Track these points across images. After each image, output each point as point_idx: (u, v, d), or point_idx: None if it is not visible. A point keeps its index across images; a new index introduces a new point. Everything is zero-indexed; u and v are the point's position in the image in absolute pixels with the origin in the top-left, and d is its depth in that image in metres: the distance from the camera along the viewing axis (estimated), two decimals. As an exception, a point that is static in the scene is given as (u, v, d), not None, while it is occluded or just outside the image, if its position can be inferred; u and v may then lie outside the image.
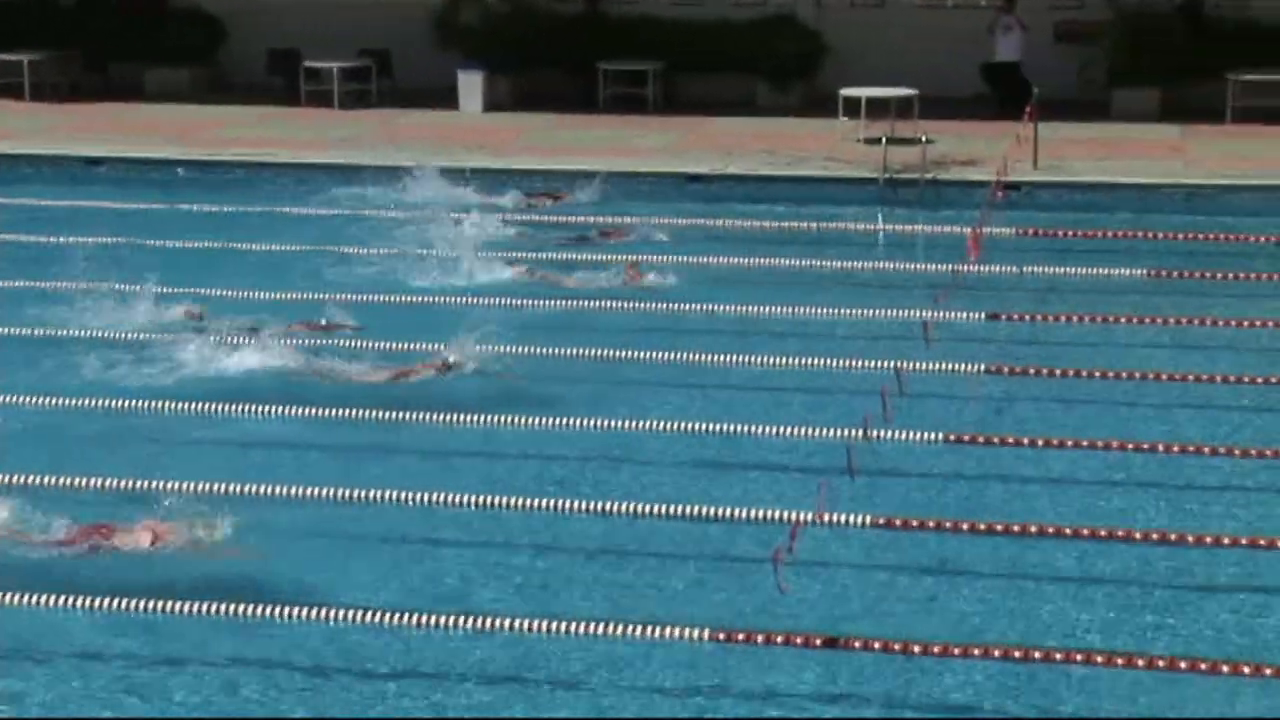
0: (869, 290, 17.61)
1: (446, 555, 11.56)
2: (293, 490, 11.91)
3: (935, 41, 27.17)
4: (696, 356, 15.05)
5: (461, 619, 10.28)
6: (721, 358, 15.05)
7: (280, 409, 13.73)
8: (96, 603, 10.35)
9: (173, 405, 13.88)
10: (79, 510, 11.58)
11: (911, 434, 13.20)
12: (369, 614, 10.27)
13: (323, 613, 10.25)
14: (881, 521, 11.67)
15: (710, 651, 10.09)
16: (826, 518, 11.54)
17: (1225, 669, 9.73)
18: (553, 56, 27.93)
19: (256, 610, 10.26)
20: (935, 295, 16.59)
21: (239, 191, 22.76)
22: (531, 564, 11.43)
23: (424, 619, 10.22)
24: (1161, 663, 9.81)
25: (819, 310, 16.78)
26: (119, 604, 10.32)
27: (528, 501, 11.96)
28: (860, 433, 12.94)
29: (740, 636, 10.11)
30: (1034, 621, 10.61)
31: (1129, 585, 11.05)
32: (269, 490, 11.90)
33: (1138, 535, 11.50)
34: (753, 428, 13.42)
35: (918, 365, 14.69)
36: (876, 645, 9.99)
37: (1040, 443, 13.18)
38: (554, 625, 10.20)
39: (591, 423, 13.53)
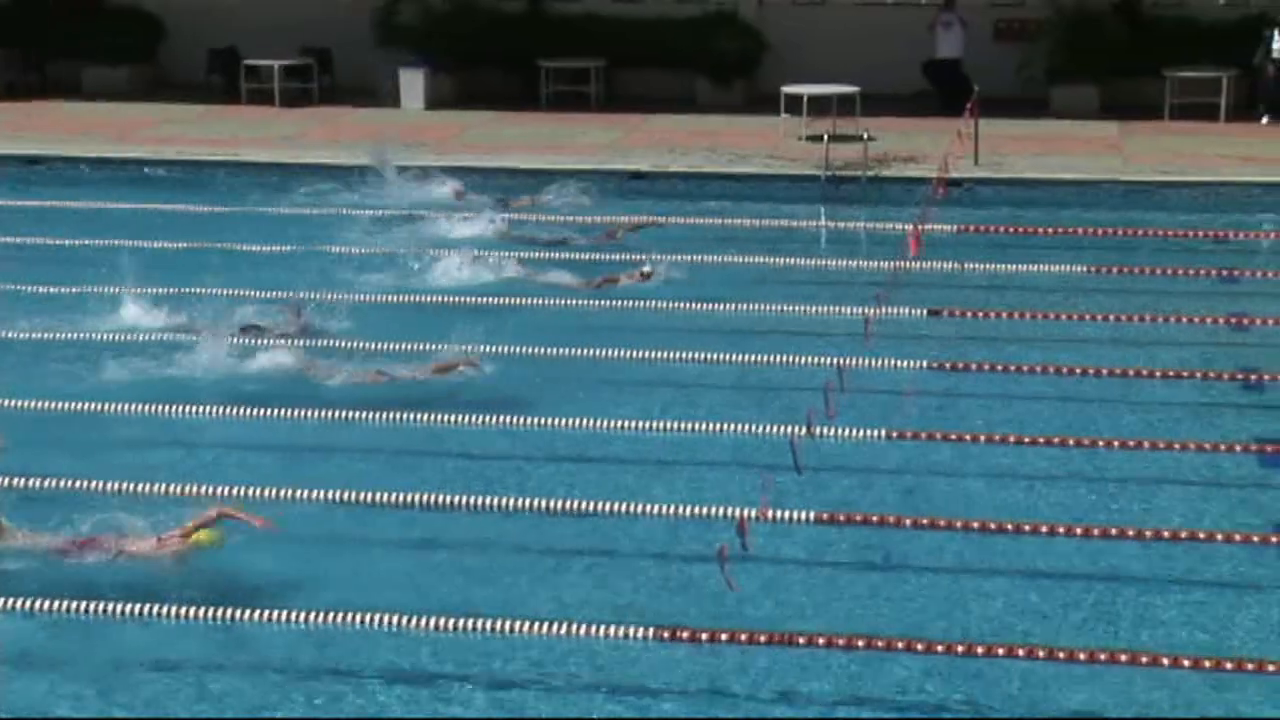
0: (811, 287, 17.66)
1: (386, 553, 11.52)
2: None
3: (876, 39, 27.27)
4: (639, 354, 15.06)
5: (399, 618, 10.25)
6: (664, 354, 15.06)
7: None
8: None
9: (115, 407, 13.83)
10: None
11: (854, 430, 13.25)
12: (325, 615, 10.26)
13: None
14: (825, 517, 11.71)
15: (655, 649, 10.10)
16: (771, 514, 11.57)
17: (1166, 662, 9.81)
18: (494, 54, 27.89)
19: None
20: (877, 292, 16.65)
21: (180, 191, 22.62)
22: (474, 562, 11.41)
23: (362, 618, 10.20)
24: (1103, 656, 9.88)
25: (761, 307, 16.82)
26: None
27: (470, 499, 11.94)
28: (803, 429, 12.97)
29: (684, 634, 10.12)
30: (977, 616, 10.66)
31: (1071, 579, 11.12)
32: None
33: (1078, 530, 11.57)
34: (696, 425, 13.44)
35: (860, 361, 14.73)
36: (821, 641, 10.02)
37: (982, 438, 13.25)
38: (496, 624, 10.19)
39: (535, 421, 13.53)
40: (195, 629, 10.26)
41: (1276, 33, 24.90)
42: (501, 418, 13.59)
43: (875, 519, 11.77)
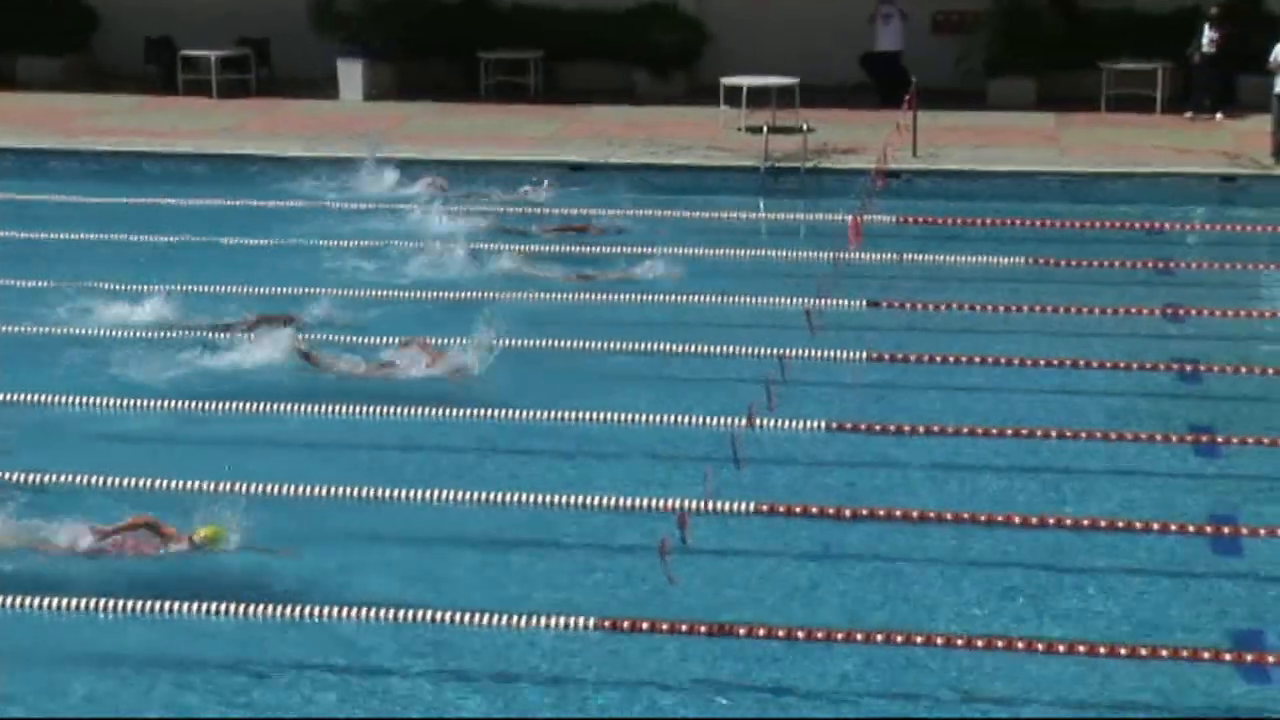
0: (751, 278, 17.68)
1: (330, 545, 11.48)
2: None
3: (816, 31, 27.31)
4: (581, 344, 15.05)
5: (346, 610, 10.23)
6: (605, 346, 15.06)
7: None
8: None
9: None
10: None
11: (795, 422, 13.30)
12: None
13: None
14: (766, 509, 11.75)
15: (597, 640, 10.11)
16: (712, 505, 11.60)
17: (1103, 650, 9.89)
18: (433, 45, 27.80)
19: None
20: (817, 283, 16.70)
21: (115, 182, 22.47)
22: (417, 554, 11.40)
23: (297, 611, 10.19)
24: (1040, 645, 9.96)
25: (702, 298, 16.85)
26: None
27: (411, 492, 11.91)
28: (744, 421, 13.01)
29: (625, 625, 10.14)
30: (917, 606, 10.72)
31: (1009, 568, 11.20)
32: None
33: (1017, 519, 11.65)
34: (637, 416, 13.45)
35: (801, 353, 14.79)
36: (761, 632, 10.06)
37: (921, 429, 13.32)
38: (439, 615, 10.19)
39: (476, 412, 13.51)
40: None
41: (1206, 27, 25.06)
42: (441, 410, 13.57)
43: (816, 510, 11.81)
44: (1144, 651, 9.87)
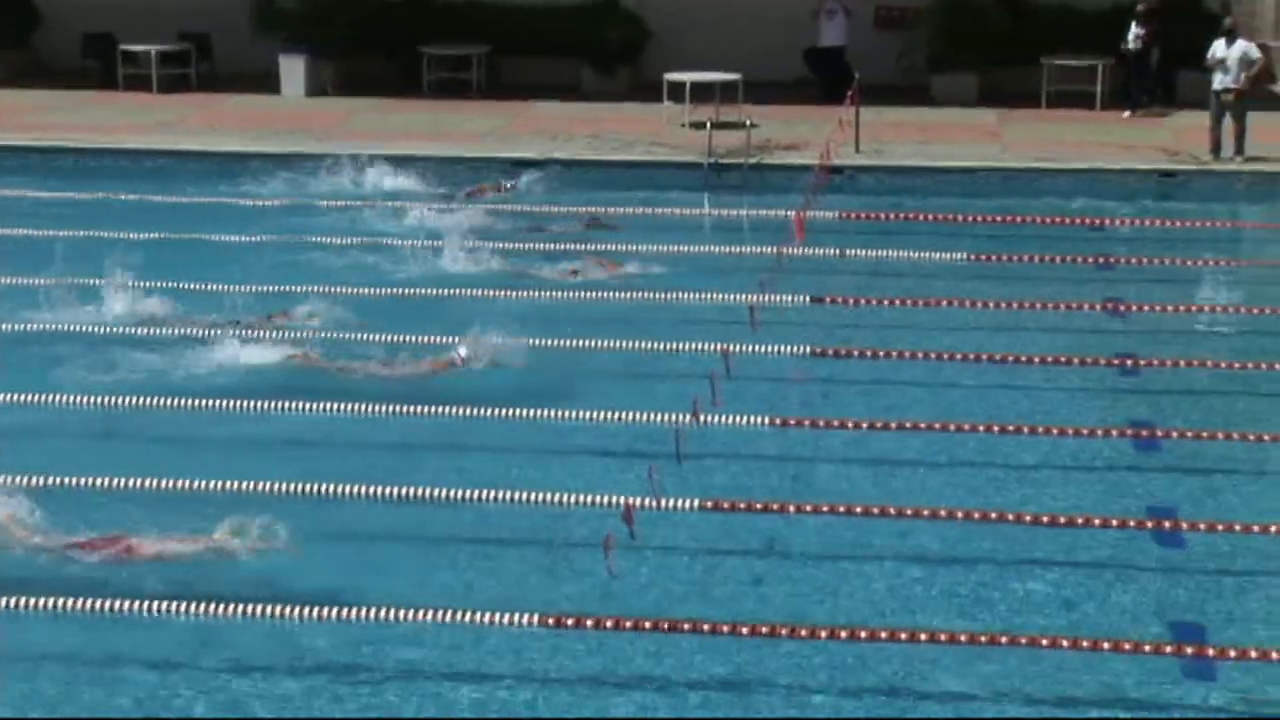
0: (695, 274, 17.70)
1: (272, 543, 11.41)
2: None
3: (759, 26, 27.36)
4: (525, 342, 15.02)
5: (284, 608, 10.20)
6: (550, 343, 15.03)
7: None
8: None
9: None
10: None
11: (739, 417, 13.33)
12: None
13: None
14: (710, 504, 11.77)
15: (541, 636, 10.11)
16: (656, 502, 11.61)
17: (1045, 643, 9.95)
18: (375, 41, 27.69)
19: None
20: (761, 279, 16.74)
21: (56, 178, 22.31)
22: (358, 550, 11.36)
23: (249, 609, 10.15)
24: (984, 638, 10.01)
25: (646, 294, 16.86)
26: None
27: (353, 489, 11.87)
28: (689, 416, 13.03)
29: (570, 621, 10.14)
30: (860, 601, 10.76)
31: (952, 563, 11.25)
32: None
33: (960, 514, 11.71)
34: (582, 413, 13.45)
35: (744, 348, 14.81)
36: (706, 628, 10.08)
37: (864, 424, 13.37)
38: (383, 612, 10.17)
39: (422, 409, 13.48)
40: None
41: (1133, 24, 25.18)
42: (387, 406, 13.53)
43: (760, 505, 11.85)
44: (1085, 644, 9.94)
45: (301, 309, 15.88)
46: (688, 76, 25.25)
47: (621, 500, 11.48)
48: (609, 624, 10.11)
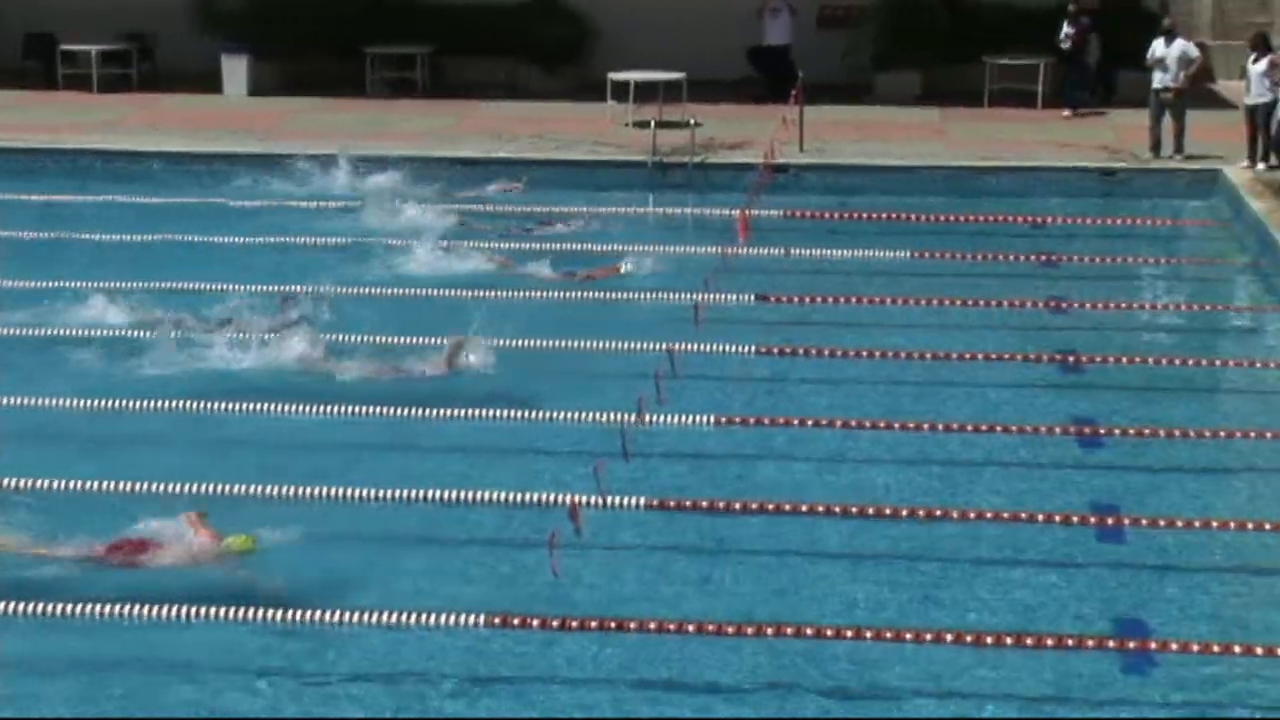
0: (640, 273, 17.69)
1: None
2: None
3: (704, 25, 27.38)
4: (471, 342, 14.97)
5: (231, 610, 10.16)
6: (496, 343, 14.99)
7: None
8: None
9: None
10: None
11: (684, 416, 13.35)
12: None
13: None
14: (656, 503, 11.78)
15: (486, 636, 10.10)
16: (602, 500, 11.61)
17: (989, 640, 10.00)
18: (319, 40, 27.57)
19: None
20: (705, 278, 16.76)
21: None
22: (303, 554, 11.31)
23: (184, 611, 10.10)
24: (929, 636, 10.05)
25: (591, 294, 16.86)
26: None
27: (298, 490, 11.81)
28: (634, 416, 13.03)
29: (516, 621, 10.13)
30: (807, 599, 10.78)
31: (897, 560, 11.28)
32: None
33: (905, 511, 11.75)
34: (527, 412, 13.43)
35: (689, 347, 14.83)
36: (652, 626, 10.08)
37: (809, 422, 13.40)
38: (326, 614, 10.13)
39: (367, 410, 13.44)
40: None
41: (1065, 23, 25.28)
42: (333, 407, 13.48)
43: (706, 504, 11.86)
44: (1030, 641, 9.99)
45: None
46: (632, 76, 25.25)
47: (568, 499, 11.47)
48: (555, 623, 10.10)
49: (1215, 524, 11.62)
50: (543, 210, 20.25)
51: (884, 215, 20.40)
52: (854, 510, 11.75)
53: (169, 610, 10.15)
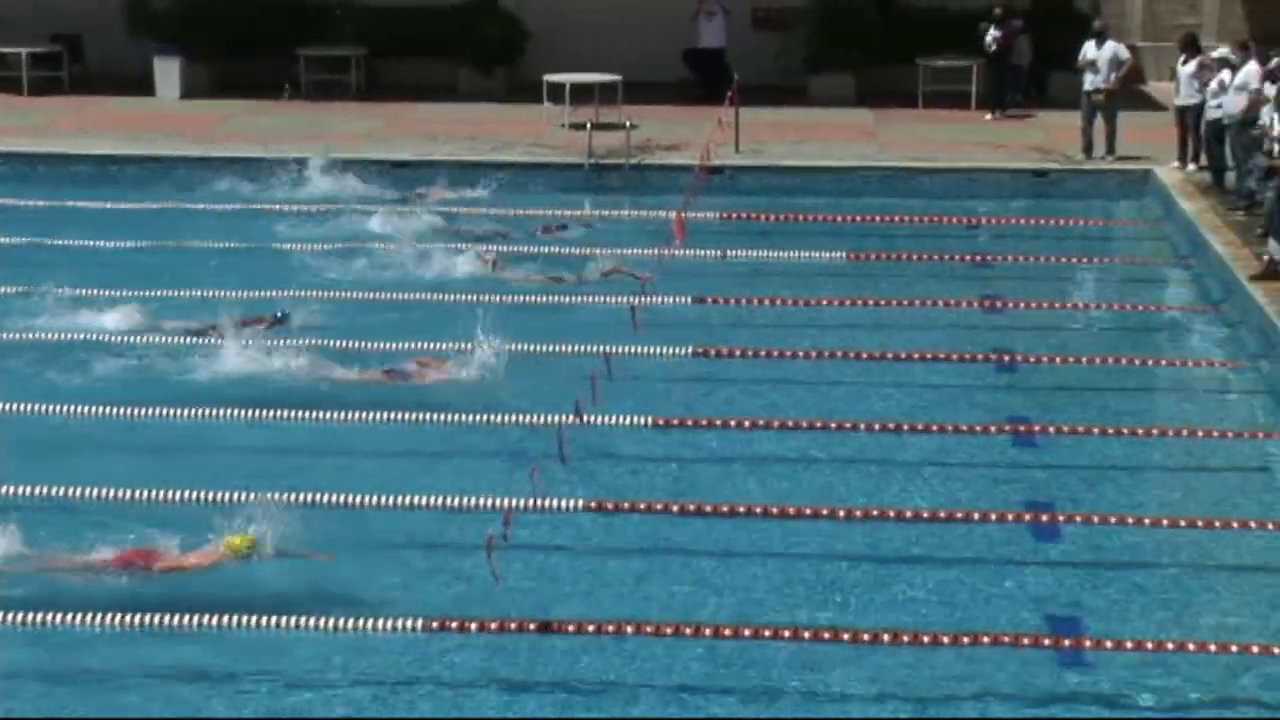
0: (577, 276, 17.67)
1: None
2: None
3: (639, 27, 27.39)
4: (410, 345, 14.94)
5: (168, 617, 10.11)
6: (433, 344, 14.94)
7: None
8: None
9: None
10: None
11: (621, 418, 13.35)
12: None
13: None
14: (593, 505, 11.78)
15: (424, 641, 10.07)
16: (539, 503, 11.61)
17: (926, 639, 10.05)
18: (252, 42, 27.41)
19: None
20: (642, 279, 16.76)
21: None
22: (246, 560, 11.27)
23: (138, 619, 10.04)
24: (866, 636, 10.09)
25: (527, 297, 16.84)
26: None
27: (231, 495, 11.74)
28: (571, 417, 13.03)
29: (453, 625, 10.12)
30: (744, 599, 10.80)
31: (834, 560, 11.32)
32: None
33: (841, 512, 11.80)
34: (464, 415, 13.40)
35: (626, 349, 14.83)
36: (590, 628, 10.09)
37: (746, 423, 13.43)
38: (264, 620, 10.09)
39: (301, 415, 13.38)
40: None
41: (991, 27, 25.35)
42: (269, 412, 13.41)
43: (643, 505, 11.87)
44: (965, 640, 10.04)
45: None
46: (567, 78, 25.24)
47: (504, 502, 11.46)
48: (492, 626, 10.09)
49: (1148, 520, 11.71)
50: (481, 213, 20.20)
51: (819, 216, 20.46)
52: (791, 511, 11.79)
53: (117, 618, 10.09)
